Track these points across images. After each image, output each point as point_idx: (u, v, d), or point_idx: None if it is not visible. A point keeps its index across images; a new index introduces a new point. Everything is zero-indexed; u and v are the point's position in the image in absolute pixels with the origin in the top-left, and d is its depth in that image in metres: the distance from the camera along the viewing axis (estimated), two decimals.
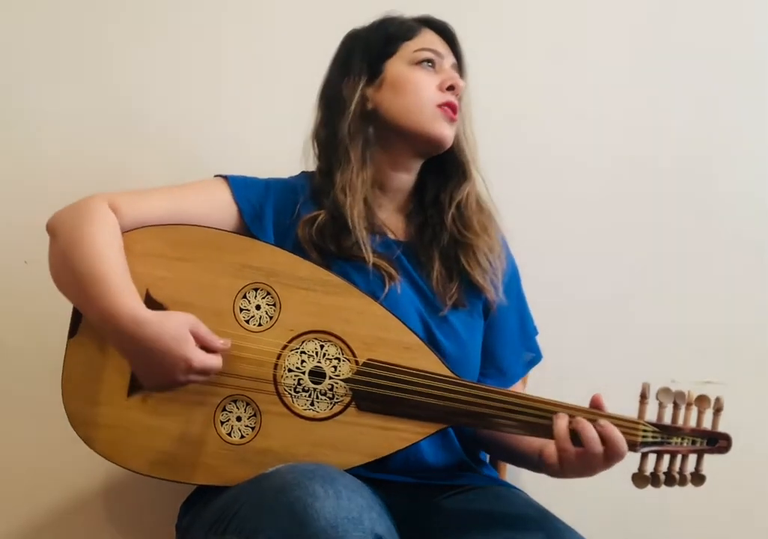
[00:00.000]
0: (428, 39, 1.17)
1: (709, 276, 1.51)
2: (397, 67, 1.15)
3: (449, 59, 1.17)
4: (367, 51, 1.16)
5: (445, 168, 1.19)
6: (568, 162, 1.51)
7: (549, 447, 0.98)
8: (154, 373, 0.97)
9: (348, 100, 1.14)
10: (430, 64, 1.15)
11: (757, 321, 1.51)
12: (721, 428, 0.97)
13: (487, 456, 1.24)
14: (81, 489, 1.41)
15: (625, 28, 1.54)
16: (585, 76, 1.54)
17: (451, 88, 1.14)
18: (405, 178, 1.19)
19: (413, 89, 1.13)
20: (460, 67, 1.19)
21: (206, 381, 0.99)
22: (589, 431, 0.94)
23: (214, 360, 0.97)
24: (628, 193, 1.52)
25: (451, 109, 1.13)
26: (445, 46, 1.18)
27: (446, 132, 1.13)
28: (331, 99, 1.17)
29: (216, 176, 1.17)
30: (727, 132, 1.53)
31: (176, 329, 0.95)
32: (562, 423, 0.96)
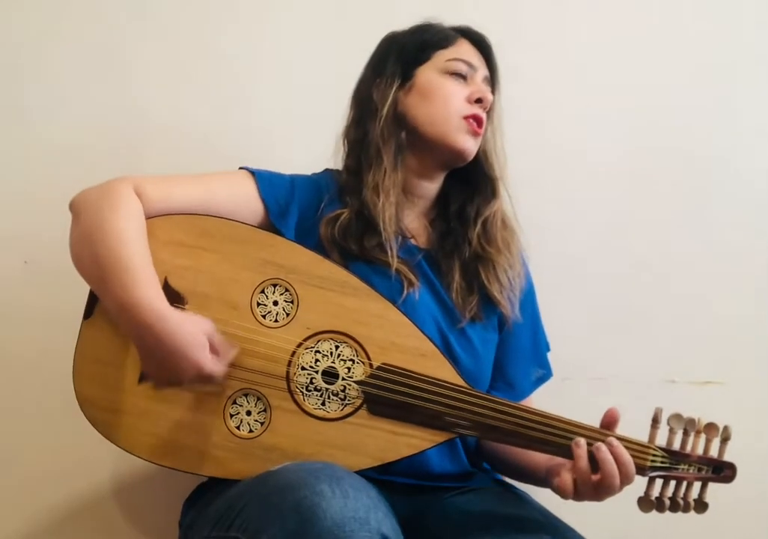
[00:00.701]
0: (463, 49, 1.16)
1: (709, 276, 1.51)
2: (428, 74, 1.14)
3: (482, 72, 1.17)
4: (402, 55, 1.16)
5: (471, 180, 1.19)
6: (575, 157, 1.51)
7: (563, 476, 0.96)
8: (162, 369, 0.97)
9: (380, 102, 1.14)
10: (461, 74, 1.14)
11: (757, 321, 1.51)
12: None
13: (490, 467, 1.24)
14: (84, 488, 1.40)
15: (631, 29, 1.54)
16: (590, 73, 1.54)
17: (479, 101, 1.13)
18: (429, 187, 1.19)
19: (441, 98, 1.13)
20: (492, 81, 1.19)
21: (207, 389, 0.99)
22: (607, 455, 0.93)
23: (222, 368, 0.97)
24: (628, 192, 1.52)
25: (476, 122, 1.13)
26: (480, 59, 1.17)
27: (468, 145, 1.13)
28: (363, 99, 1.17)
29: (241, 168, 1.16)
30: (740, 129, 1.54)
31: (195, 332, 0.95)
32: (582, 452, 0.94)
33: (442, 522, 1.03)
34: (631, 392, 1.43)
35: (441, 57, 1.15)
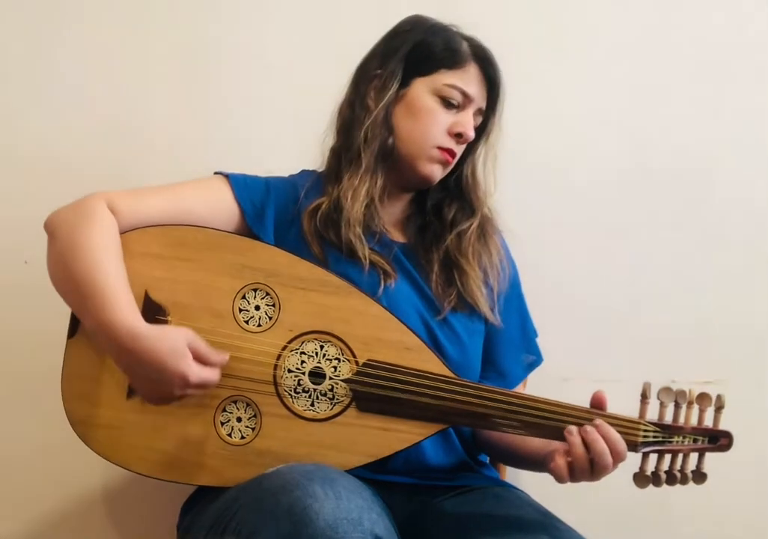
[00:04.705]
0: (468, 76, 1.12)
1: (709, 276, 1.50)
2: (421, 89, 1.12)
3: (477, 104, 1.13)
4: (410, 55, 1.12)
5: (451, 187, 1.19)
6: (571, 162, 1.51)
7: (558, 460, 0.95)
8: (150, 386, 0.97)
9: (375, 98, 1.12)
10: (453, 104, 1.11)
11: (757, 321, 1.50)
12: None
13: (488, 458, 1.23)
14: (81, 490, 1.41)
15: (626, 34, 1.53)
16: (587, 79, 1.53)
17: (459, 135, 1.12)
18: (403, 196, 1.19)
19: (423, 121, 1.11)
20: (494, 108, 1.16)
21: (203, 394, 0.99)
22: (595, 435, 0.93)
23: (212, 374, 0.96)
24: (628, 193, 1.51)
25: (449, 155, 1.12)
26: (481, 88, 1.13)
27: (435, 174, 1.13)
28: (363, 79, 1.15)
29: (216, 173, 1.16)
30: (727, 133, 1.53)
31: (173, 344, 0.95)
32: (576, 440, 0.94)
33: (441, 522, 1.03)
34: (631, 392, 1.43)
35: (442, 77, 1.11)
